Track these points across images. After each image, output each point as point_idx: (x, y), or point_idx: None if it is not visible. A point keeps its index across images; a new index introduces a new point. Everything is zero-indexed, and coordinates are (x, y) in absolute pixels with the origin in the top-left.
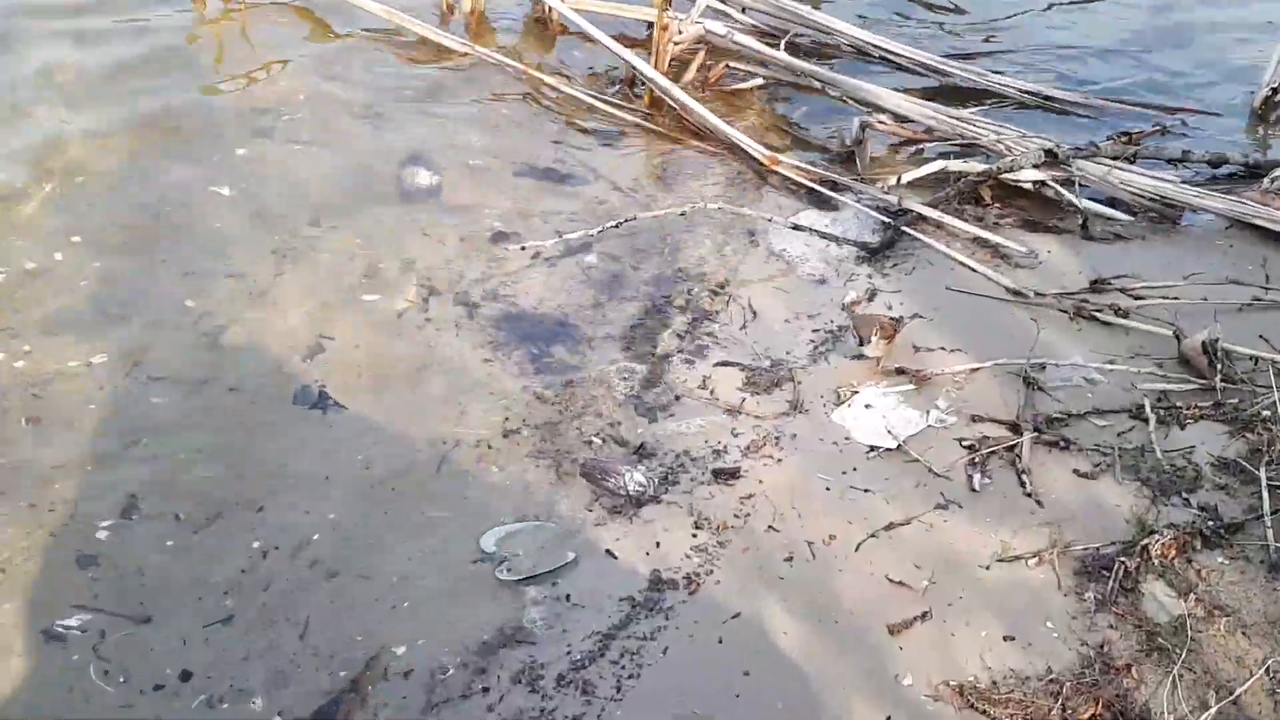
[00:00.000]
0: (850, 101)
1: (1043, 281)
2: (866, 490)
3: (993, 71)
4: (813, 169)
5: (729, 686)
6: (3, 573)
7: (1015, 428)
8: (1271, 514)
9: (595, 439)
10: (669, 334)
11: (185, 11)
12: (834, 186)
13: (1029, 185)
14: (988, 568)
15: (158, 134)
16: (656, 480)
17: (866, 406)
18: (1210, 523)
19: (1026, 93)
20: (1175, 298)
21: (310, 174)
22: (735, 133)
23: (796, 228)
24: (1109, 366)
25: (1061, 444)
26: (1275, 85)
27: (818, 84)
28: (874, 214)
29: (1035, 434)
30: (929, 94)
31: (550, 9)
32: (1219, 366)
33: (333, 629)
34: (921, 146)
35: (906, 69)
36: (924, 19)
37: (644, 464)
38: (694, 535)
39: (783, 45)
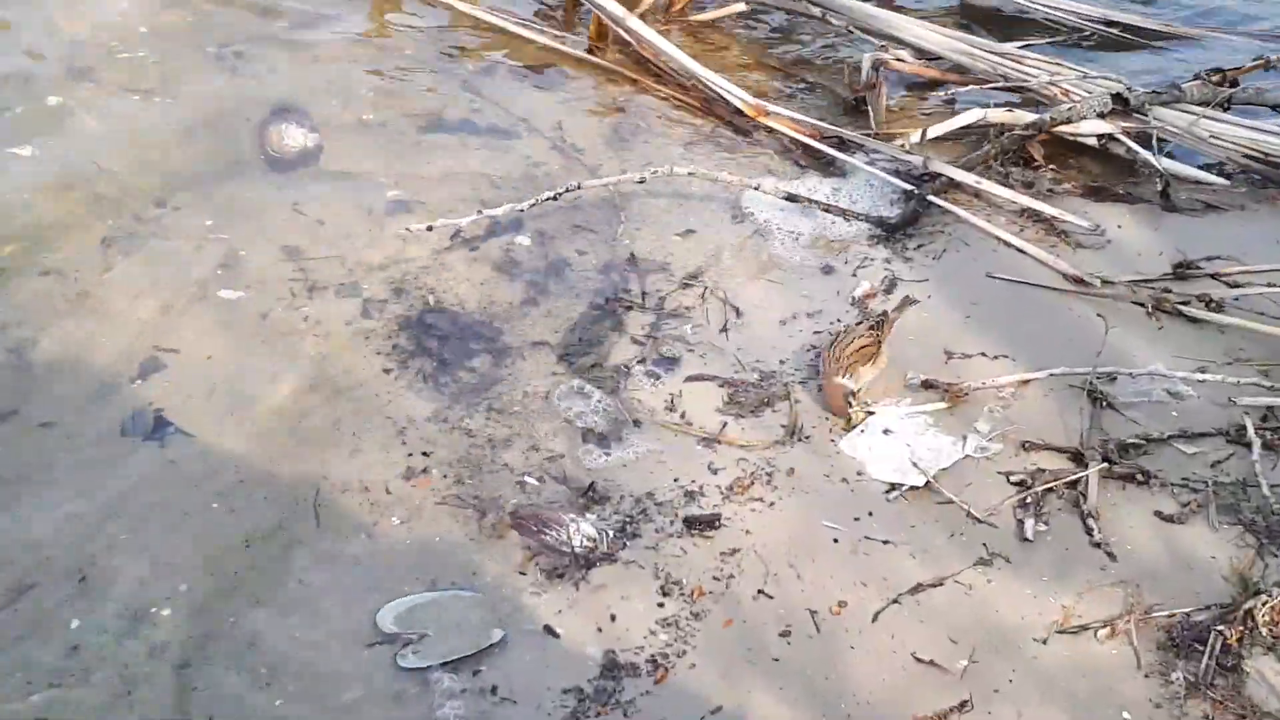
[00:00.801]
0: (859, 33)
1: (1112, 266)
2: (886, 542)
3: None
4: (812, 122)
5: None
6: None
7: (1078, 457)
8: None
9: (530, 478)
10: (624, 339)
11: None
12: (840, 144)
13: (1093, 141)
14: (1044, 642)
15: None
16: (611, 532)
17: (885, 432)
18: None
19: (1087, 19)
20: None
21: (149, 132)
22: (710, 74)
23: (792, 198)
24: (1199, 376)
25: (1139, 478)
26: None
27: (816, 10)
28: (892, 180)
29: (1104, 465)
30: (960, 23)
31: None
32: None
33: None
34: (952, 91)
35: None
36: None
37: (594, 511)
38: (660, 605)
39: None
